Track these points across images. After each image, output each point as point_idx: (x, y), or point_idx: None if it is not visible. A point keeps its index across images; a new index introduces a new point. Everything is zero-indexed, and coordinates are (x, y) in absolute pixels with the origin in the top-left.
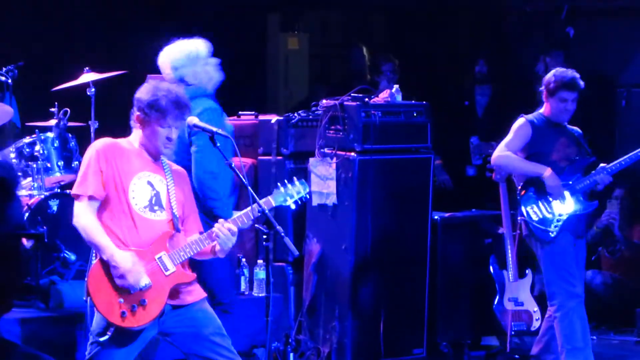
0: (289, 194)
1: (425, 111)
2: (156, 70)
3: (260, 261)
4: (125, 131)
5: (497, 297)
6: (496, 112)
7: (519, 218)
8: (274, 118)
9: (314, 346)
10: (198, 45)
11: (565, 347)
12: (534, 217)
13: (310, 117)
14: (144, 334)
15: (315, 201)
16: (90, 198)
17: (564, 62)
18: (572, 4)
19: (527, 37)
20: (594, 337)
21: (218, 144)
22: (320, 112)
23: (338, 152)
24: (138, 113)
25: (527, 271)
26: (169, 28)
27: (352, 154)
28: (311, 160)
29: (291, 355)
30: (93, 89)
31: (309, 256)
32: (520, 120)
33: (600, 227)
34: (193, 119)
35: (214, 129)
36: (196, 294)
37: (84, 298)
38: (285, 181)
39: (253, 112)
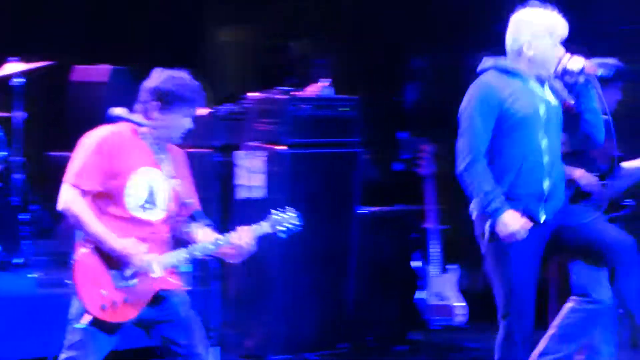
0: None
1: (355, 105)
2: (83, 61)
3: None
4: (52, 122)
5: (423, 291)
6: (426, 107)
7: None
8: (203, 110)
9: (239, 340)
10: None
11: None
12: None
13: (239, 109)
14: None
15: (242, 194)
16: (84, 192)
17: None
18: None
19: (460, 33)
20: None
21: None
22: (249, 105)
23: (267, 146)
24: (157, 102)
25: (453, 266)
26: (97, 19)
27: (281, 147)
28: (238, 153)
29: (215, 349)
30: (18, 80)
31: None
32: None
33: None
34: (116, 110)
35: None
36: (174, 282)
37: (66, 281)
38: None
39: None
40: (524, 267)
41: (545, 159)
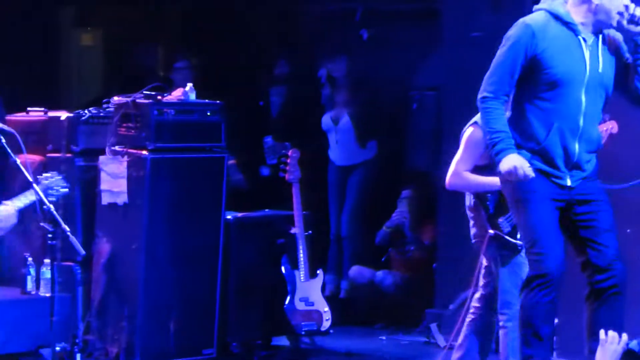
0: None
1: (219, 110)
2: None
3: (47, 260)
4: None
5: (289, 297)
6: (290, 113)
7: (490, 231)
8: (63, 114)
9: (102, 346)
10: None
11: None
12: (505, 229)
13: (102, 114)
14: None
15: (106, 200)
16: None
17: (346, 67)
18: (366, 6)
19: (323, 39)
20: (384, 338)
21: (3, 140)
22: (112, 110)
23: (130, 150)
24: None
25: (318, 271)
26: None
27: (144, 152)
28: (101, 158)
29: (78, 355)
30: None
31: (99, 256)
32: (469, 130)
33: (390, 227)
34: None
35: None
36: None
37: None
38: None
39: (42, 109)
40: (545, 212)
41: (581, 121)
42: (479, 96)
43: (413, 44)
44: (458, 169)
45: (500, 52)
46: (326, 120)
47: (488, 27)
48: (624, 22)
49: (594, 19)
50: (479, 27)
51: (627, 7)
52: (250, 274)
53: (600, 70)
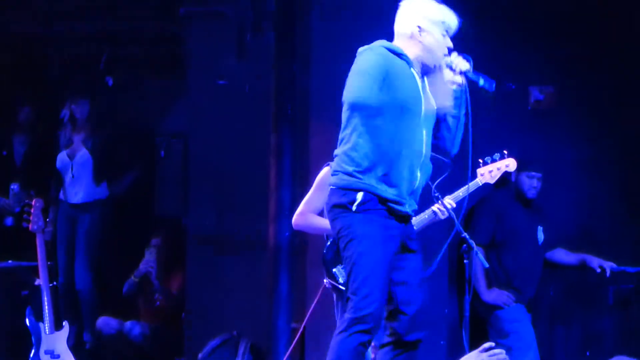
0: None
1: None
2: None
3: None
4: None
5: (34, 349)
6: (35, 160)
7: (325, 281)
8: None
9: None
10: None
11: None
12: (341, 280)
13: None
14: None
15: None
16: None
17: (89, 109)
18: (112, 52)
19: (68, 84)
20: None
21: None
22: None
23: None
24: None
25: (64, 323)
26: None
27: None
28: None
29: None
30: None
31: None
32: (323, 170)
33: (138, 276)
34: None
35: None
36: None
37: None
38: None
39: None
40: (382, 257)
41: (424, 150)
42: (350, 101)
43: (159, 91)
44: (304, 209)
45: (363, 59)
46: (62, 157)
47: (233, 74)
48: (443, 68)
49: (420, 58)
50: (223, 74)
51: (449, 52)
52: None
53: (429, 107)
